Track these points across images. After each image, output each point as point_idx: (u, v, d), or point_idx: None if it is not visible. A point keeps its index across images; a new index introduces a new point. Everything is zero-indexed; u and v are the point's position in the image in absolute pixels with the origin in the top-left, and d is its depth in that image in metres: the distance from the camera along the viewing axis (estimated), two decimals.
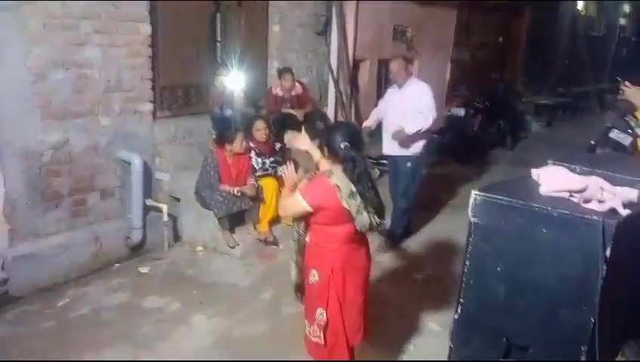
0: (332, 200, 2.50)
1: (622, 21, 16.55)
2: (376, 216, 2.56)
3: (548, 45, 12.87)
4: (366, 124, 5.12)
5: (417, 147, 4.80)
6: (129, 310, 3.76)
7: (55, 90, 4.03)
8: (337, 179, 2.52)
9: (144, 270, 4.36)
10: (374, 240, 4.60)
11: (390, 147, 4.92)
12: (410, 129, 4.63)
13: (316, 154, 2.72)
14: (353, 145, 2.56)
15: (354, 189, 2.50)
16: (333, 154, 2.60)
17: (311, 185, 2.61)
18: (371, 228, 2.57)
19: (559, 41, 13.40)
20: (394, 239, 4.97)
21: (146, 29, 4.57)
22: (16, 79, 3.81)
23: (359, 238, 2.70)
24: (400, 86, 4.83)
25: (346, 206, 2.50)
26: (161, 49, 4.91)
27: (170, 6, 4.89)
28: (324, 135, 2.73)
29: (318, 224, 2.62)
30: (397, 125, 4.75)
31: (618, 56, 16.23)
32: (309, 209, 2.55)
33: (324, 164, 2.66)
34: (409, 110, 4.72)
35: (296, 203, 2.58)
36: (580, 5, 13.72)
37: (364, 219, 2.52)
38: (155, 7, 4.66)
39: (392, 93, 4.99)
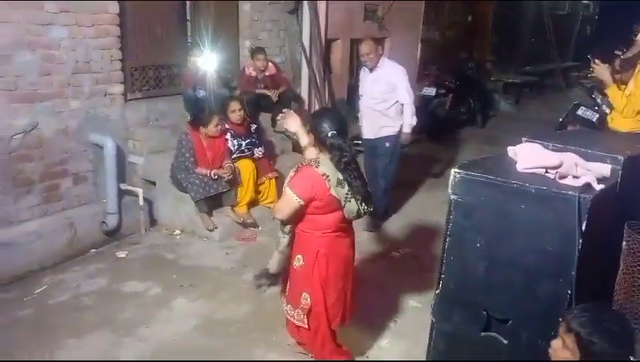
0: (322, 189, 2.52)
1: (585, 0, 16.86)
2: (364, 204, 2.59)
3: (515, 24, 13.05)
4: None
5: (395, 127, 4.82)
6: (109, 295, 3.72)
7: (21, 72, 3.90)
8: (325, 167, 2.53)
9: (122, 255, 4.31)
10: (359, 222, 4.70)
11: (369, 130, 4.93)
12: (408, 129, 4.78)
13: (304, 140, 2.71)
14: (340, 132, 2.56)
15: (341, 177, 2.52)
16: (320, 142, 2.59)
17: (298, 177, 2.58)
18: (359, 215, 2.62)
19: (526, 20, 13.60)
20: (377, 219, 4.98)
21: (114, 7, 4.45)
22: None
23: (346, 227, 2.73)
24: (371, 69, 4.77)
25: (334, 194, 2.52)
26: (130, 29, 4.79)
27: None
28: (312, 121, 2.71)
29: (308, 213, 2.62)
30: (372, 109, 4.80)
31: (582, 35, 16.58)
32: (302, 203, 2.54)
33: (311, 152, 2.65)
34: (381, 94, 4.73)
35: (289, 201, 2.56)
36: None
37: (352, 206, 2.56)
38: None
39: (364, 76, 4.94)
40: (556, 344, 1.87)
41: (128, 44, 4.77)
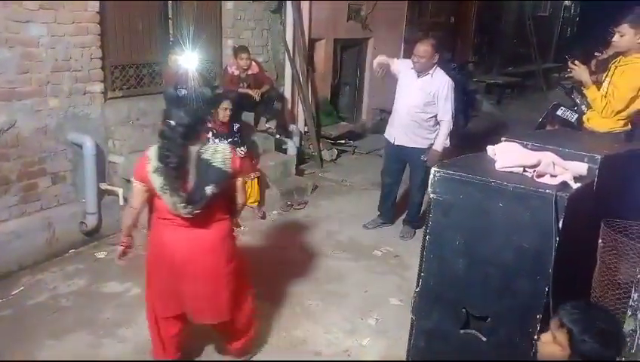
0: (143, 171, 2.51)
1: (566, 2, 17.09)
2: (182, 204, 2.46)
3: (497, 26, 13.18)
4: (384, 60, 4.61)
5: (430, 140, 4.56)
6: (88, 296, 3.68)
7: None
8: (152, 151, 2.50)
9: (101, 255, 4.27)
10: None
11: (403, 137, 4.58)
12: (440, 148, 4.45)
13: None
14: (184, 127, 2.44)
15: (160, 167, 2.45)
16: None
17: None
18: (176, 209, 2.49)
19: (508, 22, 13.73)
20: (416, 226, 4.87)
21: (94, 5, 4.39)
22: None
23: (180, 219, 2.56)
24: (420, 74, 4.40)
25: (151, 180, 2.48)
26: (111, 26, 4.74)
27: None
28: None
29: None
30: (411, 117, 4.47)
31: (563, 36, 16.80)
32: (138, 185, 2.57)
33: None
34: (427, 104, 4.42)
35: (133, 186, 2.62)
36: None
37: (167, 198, 2.46)
38: None
39: (411, 78, 4.47)
40: (546, 338, 1.89)
41: (109, 42, 4.72)
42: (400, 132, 4.60)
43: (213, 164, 2.50)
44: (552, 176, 2.30)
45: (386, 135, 4.78)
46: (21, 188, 4.11)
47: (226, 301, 2.75)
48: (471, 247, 2.36)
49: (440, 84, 4.41)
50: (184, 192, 2.45)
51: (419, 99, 4.43)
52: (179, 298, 2.72)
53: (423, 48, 4.33)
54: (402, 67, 4.61)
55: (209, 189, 2.48)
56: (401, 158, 4.78)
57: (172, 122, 2.45)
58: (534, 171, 2.34)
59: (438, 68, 4.45)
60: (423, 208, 4.81)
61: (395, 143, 4.64)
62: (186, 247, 2.61)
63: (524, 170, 2.38)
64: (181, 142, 2.45)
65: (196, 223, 2.58)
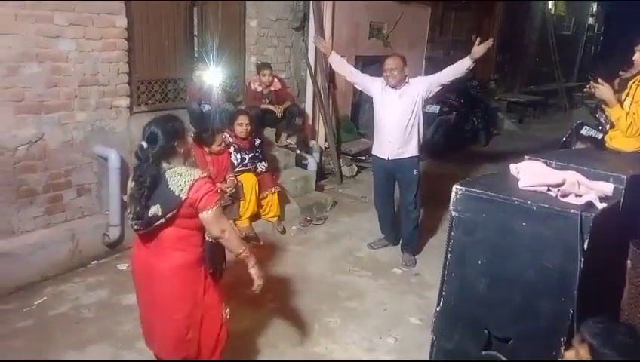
0: None
1: (590, 20, 16.99)
2: (131, 216, 2.41)
3: (519, 44, 13.14)
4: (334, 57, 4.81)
5: (418, 145, 4.51)
6: (109, 307, 3.71)
7: (28, 84, 3.95)
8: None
9: (123, 267, 4.29)
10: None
11: (397, 151, 4.49)
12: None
13: None
14: (152, 144, 2.38)
15: (129, 186, 2.45)
16: None
17: None
18: (129, 219, 2.46)
19: (530, 40, 13.68)
20: (410, 253, 4.75)
21: (122, 22, 4.50)
22: None
23: (140, 235, 2.48)
24: (397, 88, 4.40)
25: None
26: (138, 43, 4.86)
27: None
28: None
29: None
30: (397, 126, 4.42)
31: (586, 55, 16.66)
32: None
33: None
34: (408, 108, 4.40)
35: None
36: (549, 4, 14.01)
37: (128, 206, 2.46)
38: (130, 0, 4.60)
39: (389, 93, 4.46)
40: (569, 355, 1.87)
41: (135, 58, 4.83)
42: (393, 147, 4.49)
43: (168, 186, 2.36)
44: (576, 195, 2.27)
45: (376, 153, 4.67)
46: (47, 199, 4.19)
47: (171, 340, 2.54)
48: (493, 267, 2.33)
49: (418, 83, 4.43)
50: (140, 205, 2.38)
51: (407, 106, 4.39)
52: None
53: (392, 61, 4.35)
54: (375, 87, 4.56)
55: (153, 209, 2.35)
56: (390, 175, 4.67)
57: (144, 143, 2.39)
58: (559, 190, 2.31)
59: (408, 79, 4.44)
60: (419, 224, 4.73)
61: (390, 158, 4.52)
62: (141, 266, 2.54)
63: (549, 189, 2.35)
64: (151, 160, 2.37)
65: (150, 244, 2.46)
